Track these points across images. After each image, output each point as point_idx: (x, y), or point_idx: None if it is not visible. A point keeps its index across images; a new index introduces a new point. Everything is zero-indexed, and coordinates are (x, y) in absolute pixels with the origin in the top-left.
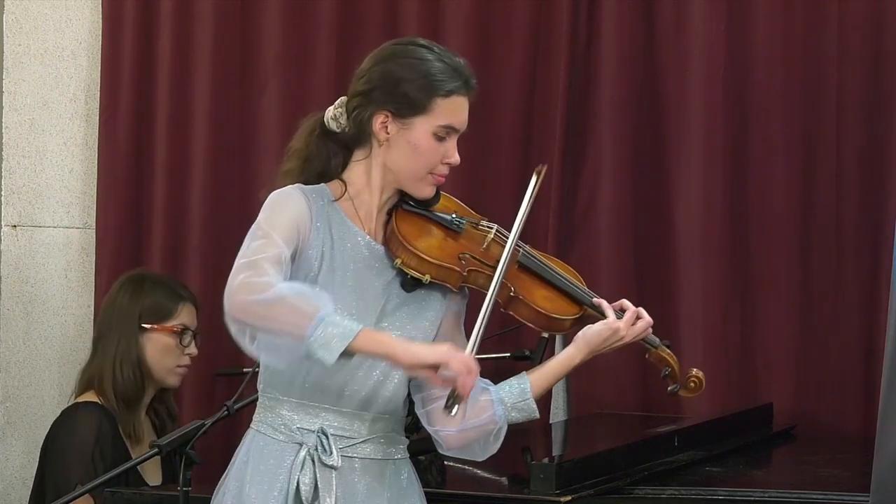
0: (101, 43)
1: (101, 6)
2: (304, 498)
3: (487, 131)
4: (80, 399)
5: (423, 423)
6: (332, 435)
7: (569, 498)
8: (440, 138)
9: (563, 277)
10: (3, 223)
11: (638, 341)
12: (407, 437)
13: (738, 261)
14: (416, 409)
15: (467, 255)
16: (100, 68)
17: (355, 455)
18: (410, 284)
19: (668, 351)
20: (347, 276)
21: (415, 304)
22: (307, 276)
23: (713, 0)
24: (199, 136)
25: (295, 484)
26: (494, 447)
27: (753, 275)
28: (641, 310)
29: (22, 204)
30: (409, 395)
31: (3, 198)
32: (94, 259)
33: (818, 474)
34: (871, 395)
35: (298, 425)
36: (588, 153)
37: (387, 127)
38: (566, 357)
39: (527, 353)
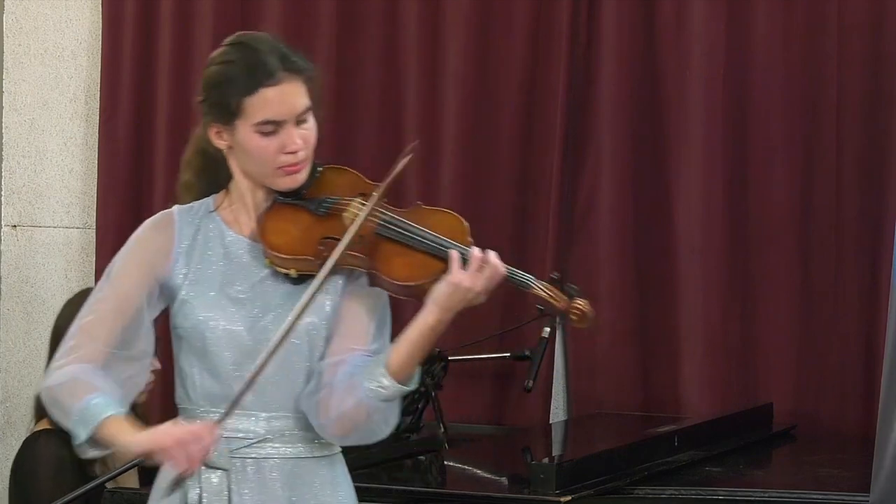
0: (101, 43)
1: (101, 6)
2: (189, 500)
3: (487, 131)
4: (38, 427)
5: (310, 419)
6: (225, 437)
7: (569, 498)
8: (267, 133)
9: (422, 235)
10: (3, 223)
11: (518, 287)
12: (407, 437)
13: (738, 261)
14: (302, 406)
15: (329, 238)
16: (100, 68)
17: (251, 456)
18: (291, 279)
19: (544, 285)
20: (215, 283)
21: (303, 290)
22: (175, 295)
23: (713, 0)
24: None
25: (185, 490)
26: (381, 428)
27: (753, 275)
28: (490, 254)
29: (22, 204)
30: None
31: (3, 198)
32: (94, 259)
33: (818, 474)
34: (871, 395)
35: None
36: (588, 153)
37: (221, 136)
38: (420, 322)
39: (526, 353)
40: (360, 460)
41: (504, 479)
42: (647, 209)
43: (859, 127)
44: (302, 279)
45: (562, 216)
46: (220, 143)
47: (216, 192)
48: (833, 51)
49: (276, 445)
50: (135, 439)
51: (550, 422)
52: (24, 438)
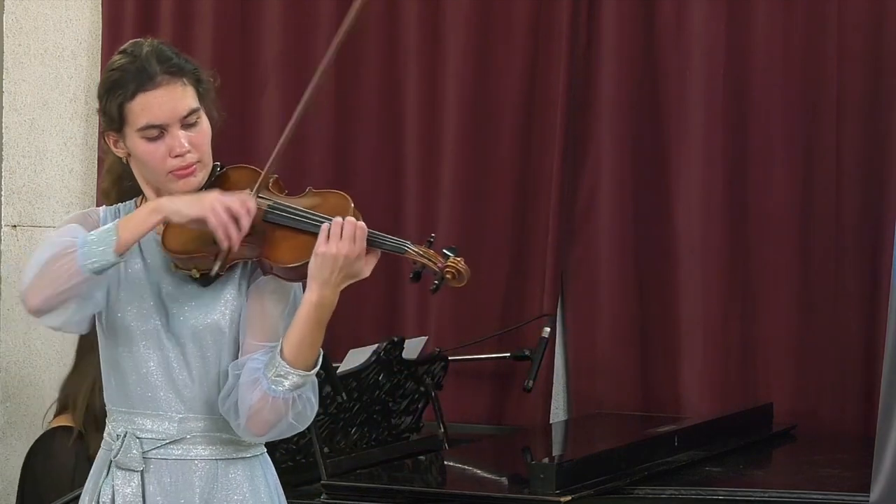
0: (101, 43)
1: (101, 6)
2: (102, 501)
3: (487, 131)
4: (57, 423)
5: (231, 423)
6: (138, 438)
7: (569, 498)
8: (152, 139)
9: (303, 215)
10: (3, 223)
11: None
12: (407, 437)
13: (738, 261)
14: (220, 410)
15: None
16: (100, 68)
17: (164, 457)
18: (197, 280)
19: (419, 248)
20: (134, 285)
21: (211, 290)
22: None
23: (713, 0)
24: None
25: (99, 491)
26: (300, 419)
27: (753, 275)
28: (349, 217)
29: (22, 204)
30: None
31: (3, 198)
32: None
33: (818, 474)
34: (871, 395)
35: (114, 433)
36: (588, 153)
37: (118, 144)
38: (303, 301)
39: (526, 352)
40: (361, 460)
41: (504, 479)
42: (647, 209)
43: (859, 126)
44: (206, 280)
45: (562, 216)
46: (119, 151)
47: (131, 198)
48: (833, 50)
49: (190, 447)
50: (179, 201)
51: (550, 422)
52: (41, 432)
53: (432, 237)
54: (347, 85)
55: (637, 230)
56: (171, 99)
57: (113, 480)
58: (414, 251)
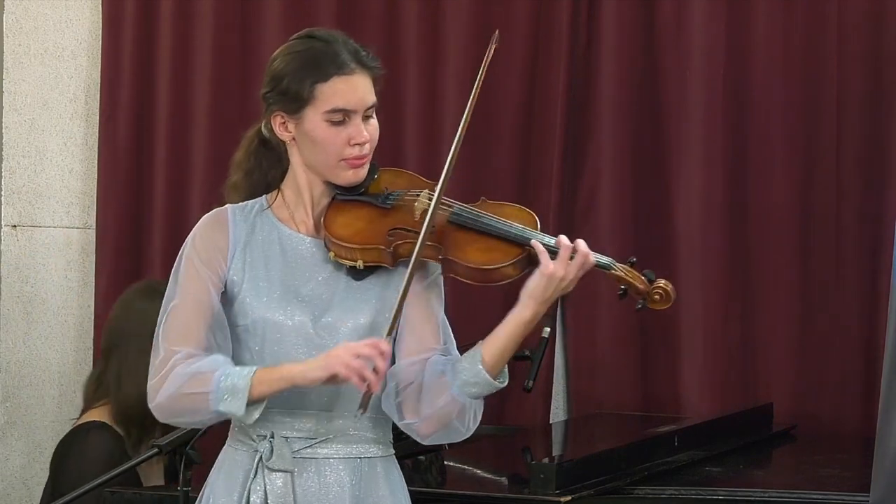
0: (101, 43)
1: (101, 6)
2: (252, 500)
3: (487, 131)
4: (90, 418)
5: (394, 419)
6: (288, 437)
7: (569, 498)
8: (336, 123)
9: (498, 223)
10: (3, 223)
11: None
12: (407, 437)
13: (738, 261)
14: (382, 406)
15: (398, 229)
16: (100, 68)
17: (314, 456)
18: (354, 273)
19: (625, 267)
20: (275, 282)
21: (366, 290)
22: (233, 293)
23: (713, 0)
24: (199, 136)
25: (248, 492)
26: (471, 425)
27: (753, 275)
28: (579, 242)
29: (22, 204)
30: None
31: (3, 198)
32: (94, 259)
33: (818, 474)
34: (871, 395)
35: (257, 433)
36: (588, 153)
37: (286, 126)
38: (515, 317)
39: (527, 353)
40: None
41: (504, 479)
42: (647, 209)
43: (859, 126)
44: (367, 272)
45: (562, 216)
46: (285, 134)
47: (262, 193)
48: (833, 50)
49: (339, 446)
50: (307, 370)
51: (550, 422)
52: (72, 427)
53: (633, 259)
54: None
55: (637, 230)
56: (361, 88)
57: (264, 481)
58: (620, 269)
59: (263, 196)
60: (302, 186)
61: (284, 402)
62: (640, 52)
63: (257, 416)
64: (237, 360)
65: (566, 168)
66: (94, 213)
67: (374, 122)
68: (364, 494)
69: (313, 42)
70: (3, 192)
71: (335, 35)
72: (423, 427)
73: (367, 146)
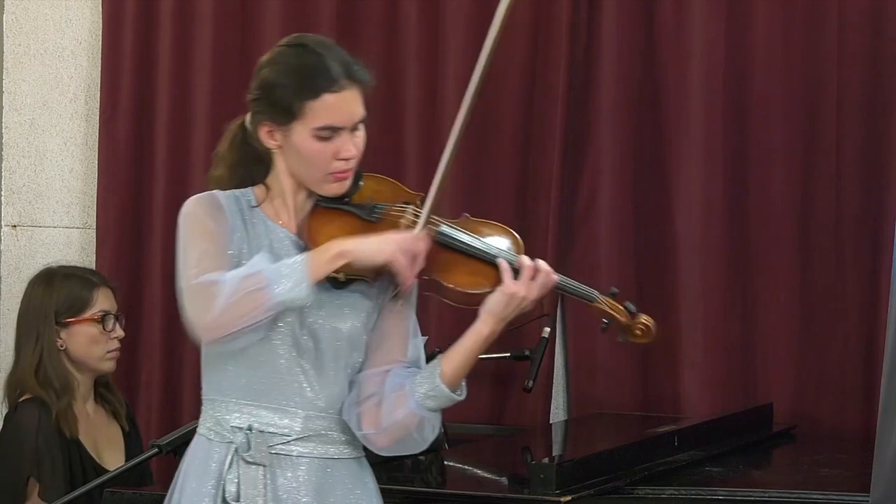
0: (101, 43)
1: (101, 6)
2: (227, 497)
3: (487, 131)
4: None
5: (353, 428)
6: (263, 432)
7: (569, 498)
8: (324, 139)
9: (480, 246)
10: (3, 223)
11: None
12: None
13: (738, 261)
14: (343, 415)
15: None
16: (100, 68)
17: (289, 453)
18: (337, 282)
19: (608, 300)
20: None
21: (345, 297)
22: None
23: (713, 0)
24: (199, 136)
25: (222, 483)
26: (428, 436)
27: (753, 275)
28: (540, 263)
29: (22, 204)
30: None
31: (3, 198)
32: (94, 259)
33: (818, 474)
34: (871, 395)
35: (232, 424)
36: (588, 153)
37: (273, 135)
38: (474, 332)
39: (527, 353)
40: None
41: (504, 479)
42: (647, 209)
43: (859, 127)
44: (346, 283)
45: (562, 216)
46: (271, 142)
47: (247, 186)
48: (833, 49)
49: (311, 445)
50: (359, 243)
51: (550, 422)
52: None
53: (615, 290)
54: None
55: (637, 230)
56: (351, 104)
57: (239, 472)
58: (603, 302)
59: (250, 189)
60: (286, 190)
61: (265, 396)
62: (640, 52)
63: (310, 299)
64: (227, 355)
65: (566, 168)
66: (94, 213)
67: (360, 133)
68: (335, 495)
69: (304, 54)
70: (3, 192)
71: (326, 46)
72: (381, 439)
73: (353, 160)
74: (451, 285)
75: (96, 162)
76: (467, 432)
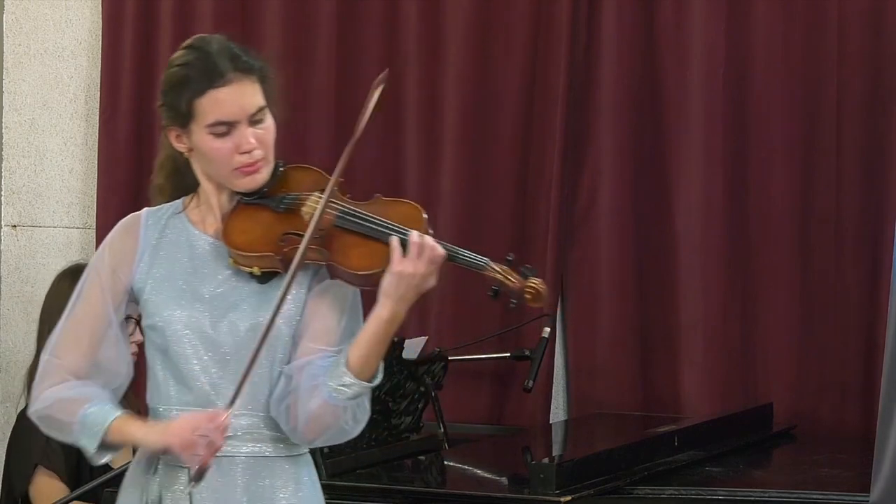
0: (101, 43)
1: (101, 6)
2: (150, 499)
3: (487, 131)
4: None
5: (281, 424)
6: None
7: (569, 498)
8: (220, 135)
9: (377, 224)
10: (3, 223)
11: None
12: (407, 437)
13: (738, 261)
14: (271, 412)
15: (290, 234)
16: (100, 68)
17: (217, 454)
18: (255, 277)
19: (500, 266)
20: (179, 281)
21: (266, 292)
22: (140, 296)
23: (713, 0)
24: None
25: (147, 485)
26: (352, 427)
27: (753, 275)
28: (425, 238)
29: (22, 204)
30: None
31: (3, 198)
32: None
33: (818, 474)
34: (871, 395)
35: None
36: (588, 153)
37: (181, 139)
38: (375, 316)
39: (527, 352)
40: (361, 460)
41: (504, 479)
42: (647, 209)
43: (859, 126)
44: (266, 277)
45: (562, 216)
46: (181, 146)
47: (187, 194)
48: (833, 49)
49: (239, 444)
50: (148, 436)
51: (550, 422)
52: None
53: (510, 257)
54: (347, 85)
55: (637, 230)
56: (242, 96)
57: (159, 478)
58: (493, 269)
59: (181, 199)
60: (208, 193)
61: (183, 400)
62: (640, 52)
63: (107, 461)
64: (149, 359)
65: (566, 168)
66: (94, 213)
67: (266, 123)
68: (263, 494)
69: (190, 54)
70: (3, 192)
71: (212, 43)
72: (303, 431)
73: (257, 152)
74: (344, 268)
75: (96, 162)
76: (467, 432)
